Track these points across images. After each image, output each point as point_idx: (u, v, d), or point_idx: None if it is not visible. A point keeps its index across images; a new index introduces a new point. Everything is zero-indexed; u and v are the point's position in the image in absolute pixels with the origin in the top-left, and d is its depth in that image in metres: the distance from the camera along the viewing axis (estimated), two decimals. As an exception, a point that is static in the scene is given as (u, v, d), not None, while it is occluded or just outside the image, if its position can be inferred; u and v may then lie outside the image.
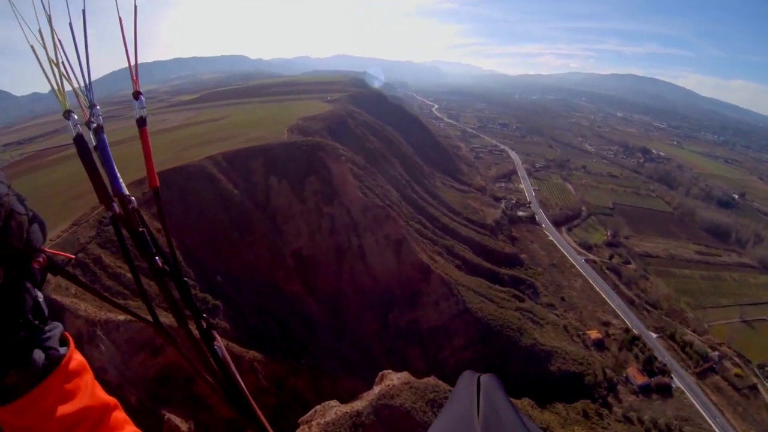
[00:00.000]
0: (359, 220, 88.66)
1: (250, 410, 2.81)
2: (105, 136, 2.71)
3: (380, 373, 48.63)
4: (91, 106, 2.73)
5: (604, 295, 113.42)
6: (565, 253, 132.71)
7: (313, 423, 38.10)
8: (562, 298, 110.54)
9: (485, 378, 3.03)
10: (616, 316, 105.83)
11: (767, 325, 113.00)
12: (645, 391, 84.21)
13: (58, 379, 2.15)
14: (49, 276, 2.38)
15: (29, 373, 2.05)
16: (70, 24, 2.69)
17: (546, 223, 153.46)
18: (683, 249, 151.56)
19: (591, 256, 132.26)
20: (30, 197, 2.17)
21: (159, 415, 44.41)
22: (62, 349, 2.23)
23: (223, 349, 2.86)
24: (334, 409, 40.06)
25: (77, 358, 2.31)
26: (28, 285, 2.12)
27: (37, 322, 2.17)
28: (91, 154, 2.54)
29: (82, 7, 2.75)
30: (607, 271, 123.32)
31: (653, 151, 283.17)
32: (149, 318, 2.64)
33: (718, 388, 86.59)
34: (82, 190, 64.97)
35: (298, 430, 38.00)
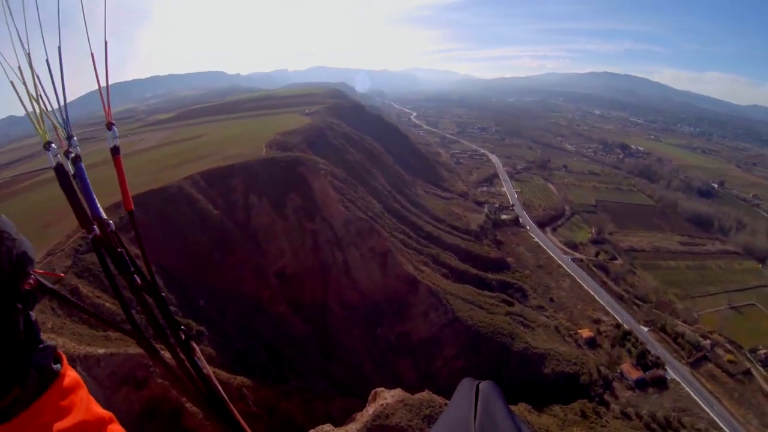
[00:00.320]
0: (342, 234, 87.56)
1: (234, 421, 2.94)
2: (82, 164, 2.95)
3: (373, 392, 47.41)
4: (69, 137, 2.99)
5: (593, 293, 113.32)
6: (552, 254, 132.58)
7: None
8: (551, 299, 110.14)
9: (484, 385, 3.07)
10: (607, 313, 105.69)
11: (755, 309, 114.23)
12: (641, 385, 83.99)
13: (54, 396, 2.24)
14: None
15: (26, 391, 2.12)
16: (47, 60, 2.93)
17: (530, 225, 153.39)
18: (668, 241, 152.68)
19: (577, 255, 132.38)
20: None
21: (146, 452, 42.95)
22: (56, 367, 2.32)
23: (204, 361, 3.02)
24: (328, 434, 38.79)
25: (71, 375, 2.40)
26: (20, 306, 2.19)
27: (31, 342, 2.23)
28: (71, 182, 2.78)
29: (58, 44, 3.00)
30: (594, 269, 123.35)
31: (632, 146, 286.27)
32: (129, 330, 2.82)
33: (712, 376, 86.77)
34: (55, 218, 63.09)
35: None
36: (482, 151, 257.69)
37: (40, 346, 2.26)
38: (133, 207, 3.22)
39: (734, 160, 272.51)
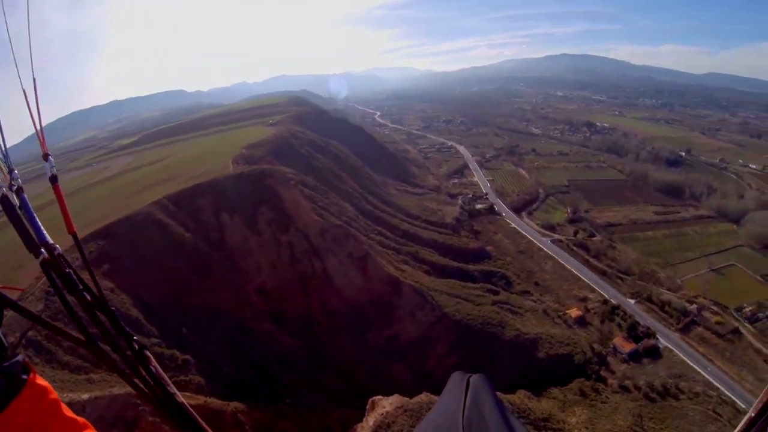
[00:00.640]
0: (318, 243, 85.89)
1: (196, 425, 3.17)
2: (25, 195, 3.09)
3: (370, 400, 46.20)
4: (10, 171, 3.16)
5: (576, 272, 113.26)
6: (531, 238, 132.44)
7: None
8: (536, 283, 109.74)
9: (474, 378, 3.19)
10: (592, 290, 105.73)
11: (735, 269, 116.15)
12: (634, 357, 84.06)
13: (24, 403, 2.29)
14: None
15: None
16: None
17: (506, 212, 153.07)
18: (642, 212, 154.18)
19: (556, 236, 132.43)
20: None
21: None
22: (24, 375, 2.37)
23: (159, 368, 3.15)
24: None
25: (41, 383, 2.43)
26: None
27: None
28: (17, 212, 2.90)
29: None
30: (574, 248, 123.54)
31: (597, 123, 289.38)
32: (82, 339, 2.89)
33: (702, 339, 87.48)
34: (23, 258, 60.42)
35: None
36: (450, 143, 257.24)
37: (7, 355, 2.32)
38: (75, 230, 3.31)
39: (697, 128, 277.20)
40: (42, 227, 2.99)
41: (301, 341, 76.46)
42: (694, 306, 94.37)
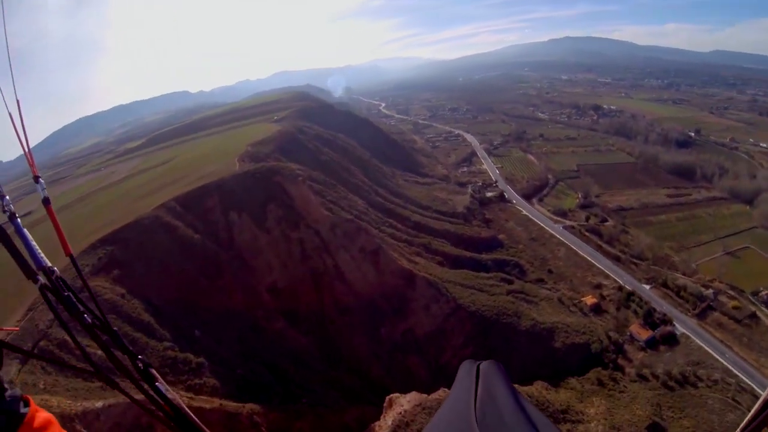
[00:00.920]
0: (329, 238, 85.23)
1: None
2: (19, 220, 3.10)
3: (387, 398, 45.57)
4: (1, 197, 3.15)
5: (589, 258, 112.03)
6: (542, 225, 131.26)
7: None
8: (550, 271, 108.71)
9: (484, 365, 3.15)
10: (607, 277, 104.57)
11: (750, 251, 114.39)
12: (651, 344, 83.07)
13: None
14: (14, 374, 3.94)
15: None
16: None
17: (516, 199, 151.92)
18: (654, 196, 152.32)
19: (568, 222, 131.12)
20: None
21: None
22: (23, 409, 2.43)
23: (166, 386, 3.10)
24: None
25: (42, 415, 2.50)
26: None
27: None
28: (11, 241, 2.83)
29: None
30: (587, 234, 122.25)
31: (604, 106, 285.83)
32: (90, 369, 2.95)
33: (720, 324, 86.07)
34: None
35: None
36: (456, 131, 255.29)
37: (7, 393, 2.40)
38: (71, 251, 3.31)
39: (706, 107, 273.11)
40: (38, 251, 2.94)
41: (315, 339, 75.91)
42: (710, 290, 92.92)
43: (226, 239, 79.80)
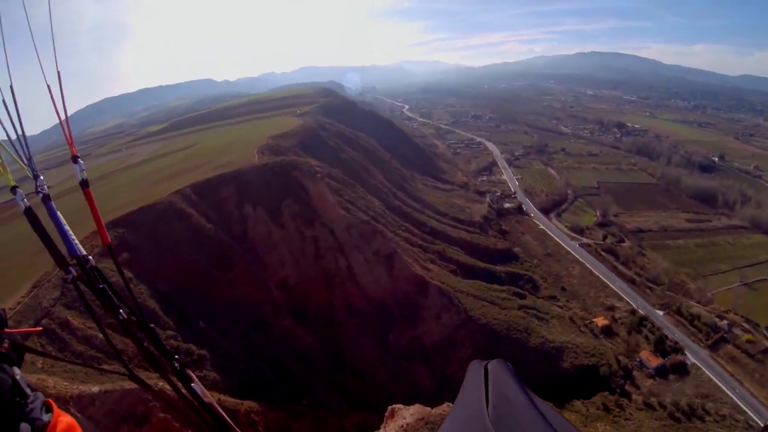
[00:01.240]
0: (344, 239, 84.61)
1: None
2: (52, 203, 2.93)
3: (390, 408, 44.47)
4: (35, 176, 2.99)
5: (604, 279, 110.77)
6: (559, 241, 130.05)
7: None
8: (563, 288, 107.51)
9: (492, 365, 3.02)
10: (620, 299, 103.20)
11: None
12: (661, 373, 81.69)
13: None
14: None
15: None
16: (3, 101, 2.98)
17: (534, 212, 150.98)
18: (674, 219, 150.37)
19: (584, 240, 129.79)
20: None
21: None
22: (46, 417, 2.37)
23: (202, 387, 3.06)
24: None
25: (64, 420, 2.43)
26: (5, 366, 2.41)
27: (18, 398, 2.35)
28: (42, 225, 2.76)
29: (10, 84, 3.02)
30: (603, 253, 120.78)
31: (628, 124, 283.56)
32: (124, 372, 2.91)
33: (732, 357, 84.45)
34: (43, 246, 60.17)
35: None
36: (478, 139, 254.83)
37: (29, 400, 2.35)
38: (109, 240, 3.18)
39: (731, 132, 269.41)
40: (73, 238, 2.80)
41: (321, 339, 75.30)
42: (725, 322, 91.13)
43: (239, 231, 79.39)
